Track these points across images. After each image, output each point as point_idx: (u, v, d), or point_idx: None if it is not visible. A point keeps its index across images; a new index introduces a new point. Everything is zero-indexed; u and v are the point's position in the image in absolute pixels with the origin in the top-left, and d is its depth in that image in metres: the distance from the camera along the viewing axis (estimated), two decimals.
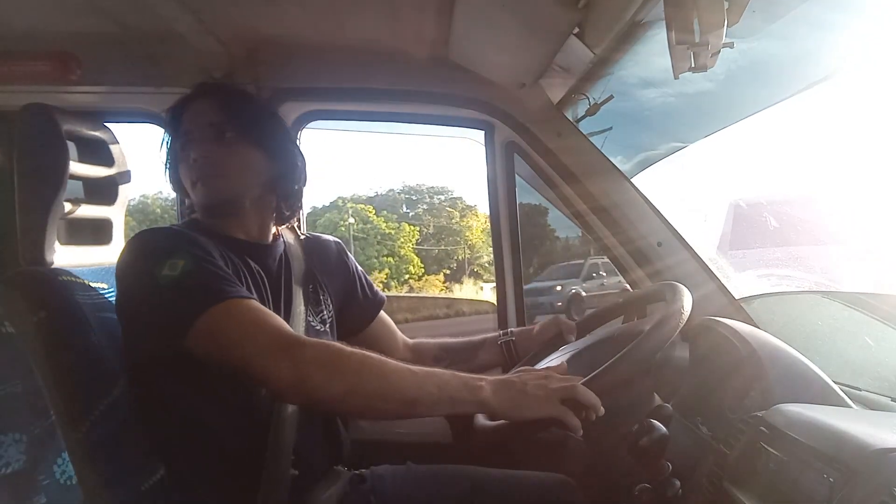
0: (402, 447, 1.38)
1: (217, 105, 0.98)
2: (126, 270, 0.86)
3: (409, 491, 1.01)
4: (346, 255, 1.18)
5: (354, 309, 1.16)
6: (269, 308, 0.91)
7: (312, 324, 1.03)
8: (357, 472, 1.04)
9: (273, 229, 1.05)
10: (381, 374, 0.77)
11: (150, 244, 0.86)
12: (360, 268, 1.19)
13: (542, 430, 0.77)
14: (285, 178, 1.04)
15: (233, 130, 0.97)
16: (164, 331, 0.81)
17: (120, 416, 0.89)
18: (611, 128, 1.41)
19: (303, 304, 1.01)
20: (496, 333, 1.19)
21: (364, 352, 0.79)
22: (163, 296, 0.80)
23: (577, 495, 1.03)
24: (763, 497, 0.66)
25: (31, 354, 0.85)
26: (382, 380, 0.77)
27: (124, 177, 1.14)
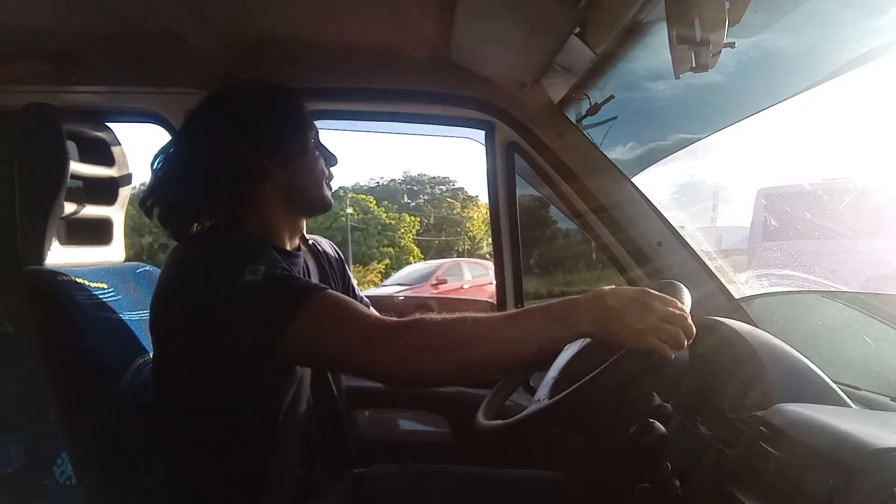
0: (402, 447, 1.38)
1: None
2: (195, 278, 0.81)
3: (409, 491, 1.01)
4: (343, 258, 1.19)
5: None
6: None
7: None
8: (357, 471, 1.04)
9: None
10: (484, 340, 0.74)
11: (223, 251, 0.82)
12: (350, 272, 1.20)
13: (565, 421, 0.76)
14: None
15: None
16: (251, 336, 0.77)
17: (119, 415, 0.89)
18: (615, 117, 1.39)
19: None
20: None
21: (463, 317, 0.76)
22: (249, 301, 0.76)
23: (576, 494, 1.03)
24: (763, 497, 0.66)
25: (31, 354, 0.85)
26: (486, 346, 0.74)
27: (125, 177, 1.14)
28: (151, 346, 1.01)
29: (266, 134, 0.93)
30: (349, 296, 1.14)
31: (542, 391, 0.87)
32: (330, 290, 0.80)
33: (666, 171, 1.54)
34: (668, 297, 0.74)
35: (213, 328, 0.78)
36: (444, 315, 0.77)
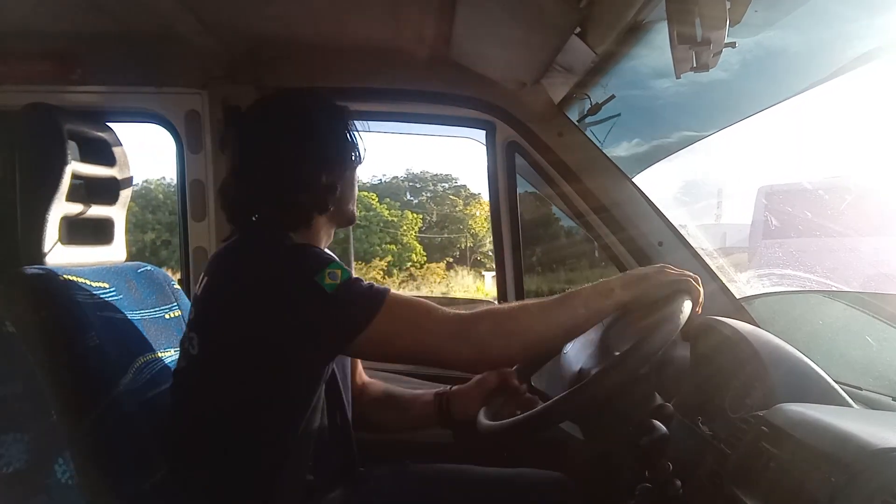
0: (402, 447, 1.38)
1: None
2: (271, 281, 0.83)
3: (409, 490, 1.01)
4: None
5: None
6: None
7: None
8: (357, 471, 1.04)
9: None
10: (545, 321, 0.84)
11: (301, 256, 0.85)
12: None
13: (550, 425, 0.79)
14: None
15: None
16: (330, 337, 0.82)
17: (121, 415, 0.89)
18: (619, 114, 1.39)
19: None
20: (436, 389, 1.15)
21: (524, 304, 0.88)
22: (332, 304, 0.80)
23: (576, 494, 1.03)
24: (764, 497, 0.66)
25: (32, 354, 0.85)
26: (547, 324, 0.84)
27: (126, 178, 1.14)
28: (158, 345, 1.01)
29: (338, 146, 0.97)
30: None
31: (591, 362, 0.86)
32: (395, 291, 0.85)
33: (670, 168, 1.54)
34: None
35: (284, 330, 0.81)
36: (508, 304, 0.87)
